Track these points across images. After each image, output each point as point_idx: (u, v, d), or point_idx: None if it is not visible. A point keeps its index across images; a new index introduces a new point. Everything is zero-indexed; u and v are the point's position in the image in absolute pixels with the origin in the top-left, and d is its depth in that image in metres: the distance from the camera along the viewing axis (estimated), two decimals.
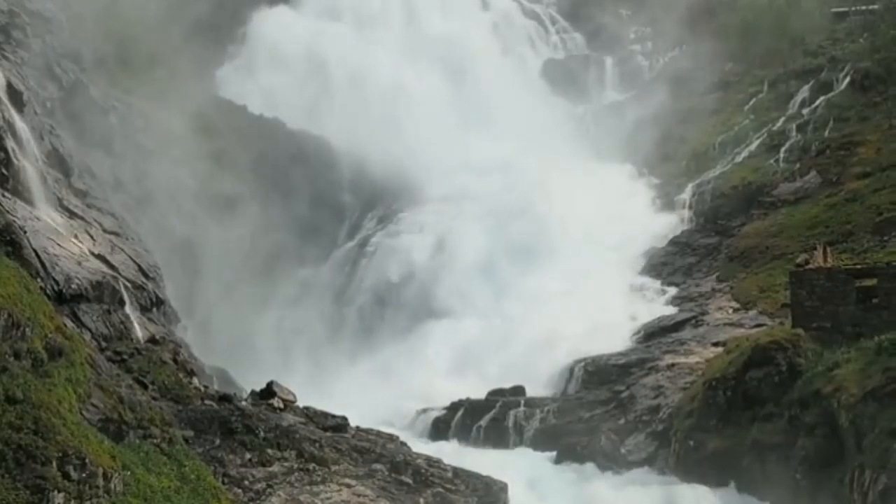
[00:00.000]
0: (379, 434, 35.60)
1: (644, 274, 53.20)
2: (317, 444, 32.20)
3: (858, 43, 63.42)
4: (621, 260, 54.18)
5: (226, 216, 53.25)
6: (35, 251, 33.47)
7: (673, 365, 42.29)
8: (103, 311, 35.59)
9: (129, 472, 25.09)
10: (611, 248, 54.87)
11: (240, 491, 29.26)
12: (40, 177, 39.45)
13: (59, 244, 36.31)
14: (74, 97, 48.37)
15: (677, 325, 46.55)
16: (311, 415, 35.33)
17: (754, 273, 48.89)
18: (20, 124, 39.98)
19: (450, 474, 33.18)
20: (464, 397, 43.97)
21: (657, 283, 51.86)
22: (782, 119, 60.62)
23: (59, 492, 22.40)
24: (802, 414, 33.79)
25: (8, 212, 33.92)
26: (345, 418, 35.69)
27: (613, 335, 46.44)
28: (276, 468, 30.60)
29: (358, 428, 35.68)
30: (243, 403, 34.35)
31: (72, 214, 40.10)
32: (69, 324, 31.72)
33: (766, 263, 49.06)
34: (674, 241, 55.14)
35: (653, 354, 43.81)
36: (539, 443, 40.86)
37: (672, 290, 50.77)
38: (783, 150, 57.23)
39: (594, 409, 41.49)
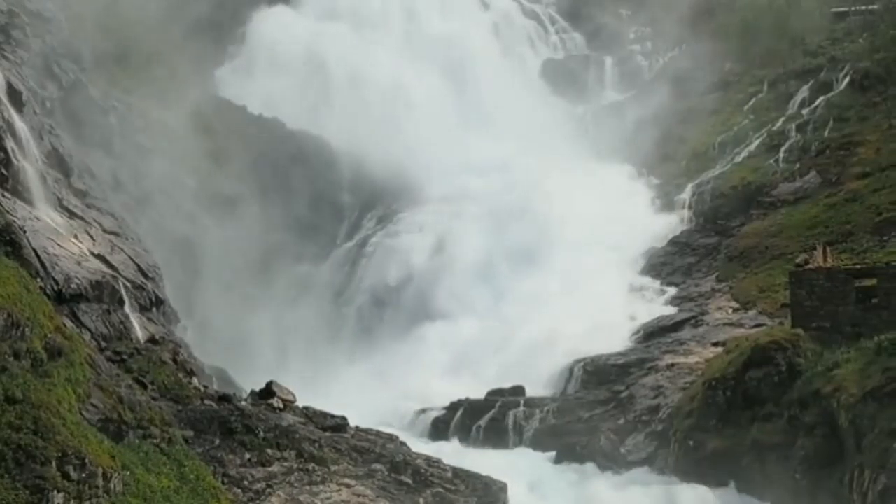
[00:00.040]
0: (378, 434, 35.61)
1: (644, 274, 53.22)
2: (316, 444, 32.20)
3: (858, 43, 63.45)
4: (621, 260, 54.18)
5: (225, 216, 53.27)
6: (35, 251, 33.48)
7: (672, 365, 42.29)
8: (103, 311, 35.60)
9: (128, 472, 25.08)
10: (610, 248, 54.84)
11: (239, 491, 29.25)
12: (40, 177, 39.47)
13: (58, 244, 36.32)
14: (74, 97, 48.38)
15: (677, 325, 46.56)
16: (310, 415, 35.34)
17: (754, 273, 48.90)
18: (20, 124, 40.01)
19: (449, 474, 33.18)
20: (463, 397, 43.96)
21: (657, 283, 51.89)
22: (782, 119, 60.66)
23: (58, 492, 22.39)
24: (802, 414, 33.78)
25: (8, 212, 33.93)
26: (344, 418, 35.69)
27: (613, 335, 46.45)
28: (275, 468, 30.59)
29: (357, 428, 35.68)
30: (243, 403, 34.35)
31: (71, 214, 40.11)
32: (69, 324, 31.72)
33: (765, 263, 49.08)
34: (673, 241, 55.17)
35: (652, 354, 43.82)
36: (538, 443, 40.85)
37: (672, 290, 50.79)
38: (783, 150, 57.27)
39: (594, 409, 41.48)
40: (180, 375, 34.32)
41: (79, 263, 36.16)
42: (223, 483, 28.79)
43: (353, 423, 35.92)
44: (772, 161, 56.89)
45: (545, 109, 71.68)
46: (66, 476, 22.72)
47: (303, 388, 38.44)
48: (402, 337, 52.24)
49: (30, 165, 39.03)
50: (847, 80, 59.87)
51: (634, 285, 52.05)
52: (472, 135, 65.21)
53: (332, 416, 35.54)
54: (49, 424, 23.19)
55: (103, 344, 33.93)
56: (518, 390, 44.29)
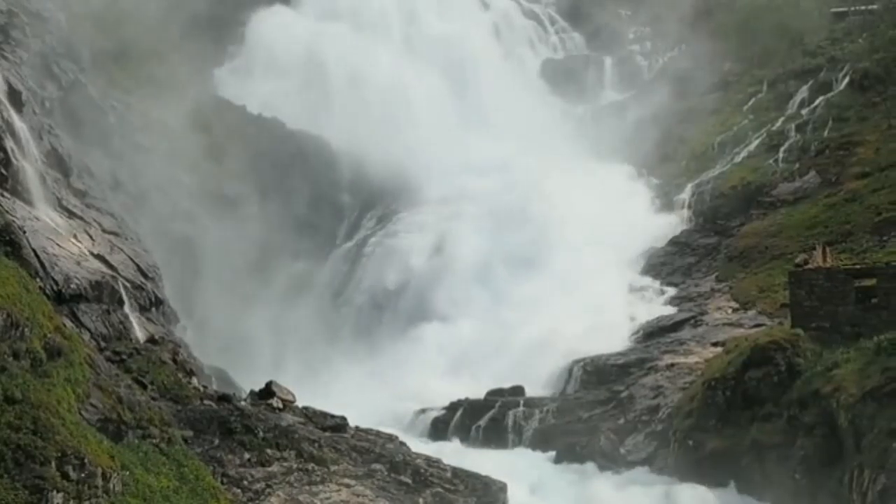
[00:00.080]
0: (378, 434, 35.58)
1: (643, 274, 53.23)
2: (316, 444, 32.18)
3: (857, 43, 63.45)
4: (620, 260, 54.16)
5: (225, 216, 53.28)
6: (34, 251, 33.48)
7: (672, 365, 42.29)
8: (102, 311, 35.60)
9: (127, 472, 25.06)
10: (610, 248, 54.80)
11: (239, 491, 29.24)
12: (39, 177, 39.48)
13: (58, 244, 36.32)
14: (73, 97, 48.39)
15: (676, 325, 46.59)
16: (310, 415, 35.32)
17: (753, 273, 48.91)
18: (19, 124, 40.03)
19: (449, 474, 33.16)
20: (463, 397, 43.94)
21: (656, 283, 51.90)
22: (781, 119, 60.68)
23: (57, 492, 22.36)
24: (801, 414, 33.75)
25: (7, 212, 33.92)
26: (344, 418, 35.67)
27: (613, 335, 46.46)
28: (275, 468, 30.58)
29: (357, 428, 35.66)
30: (242, 403, 34.33)
31: (71, 214, 40.11)
32: (68, 324, 31.70)
33: (765, 263, 49.09)
34: (673, 242, 55.18)
35: (652, 354, 43.82)
36: (538, 443, 40.84)
37: (671, 290, 50.80)
38: (782, 150, 57.28)
39: (593, 409, 41.47)
40: (180, 375, 34.31)
41: (78, 263, 36.15)
42: (222, 483, 28.77)
43: (352, 423, 35.91)
44: (771, 161, 56.92)
45: (545, 109, 71.73)
46: (65, 476, 22.69)
47: (302, 388, 38.42)
48: (401, 337, 52.23)
49: (29, 165, 39.04)
50: (846, 80, 59.90)
51: (634, 285, 52.06)
52: (471, 135, 65.21)
53: (332, 416, 35.53)
54: (48, 424, 23.16)
55: (103, 344, 33.93)
56: (518, 390, 44.28)
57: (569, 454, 39.24)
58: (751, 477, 34.30)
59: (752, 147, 59.38)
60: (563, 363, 45.09)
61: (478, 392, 44.41)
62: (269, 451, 30.99)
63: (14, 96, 41.31)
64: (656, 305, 49.63)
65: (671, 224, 56.55)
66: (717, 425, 35.99)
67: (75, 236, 38.66)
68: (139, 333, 37.01)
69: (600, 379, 43.28)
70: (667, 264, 53.45)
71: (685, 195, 57.99)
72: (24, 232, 33.60)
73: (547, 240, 55.61)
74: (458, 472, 33.42)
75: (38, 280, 31.69)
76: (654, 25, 79.63)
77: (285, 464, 30.88)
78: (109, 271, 38.01)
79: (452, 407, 43.60)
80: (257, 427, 31.49)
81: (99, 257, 38.68)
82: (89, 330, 34.11)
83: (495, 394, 44.07)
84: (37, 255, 33.52)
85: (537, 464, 39.22)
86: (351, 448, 33.17)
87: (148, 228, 46.85)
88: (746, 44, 68.27)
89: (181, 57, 58.85)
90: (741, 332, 41.81)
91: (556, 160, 60.71)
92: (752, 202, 54.73)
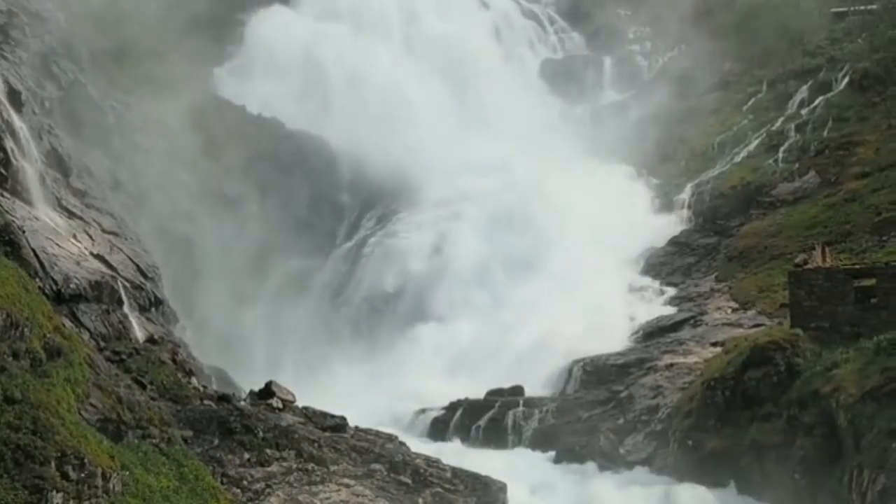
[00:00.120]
0: (378, 434, 35.58)
1: (643, 274, 53.25)
2: (316, 444, 32.18)
3: (857, 43, 63.49)
4: (620, 260, 54.18)
5: (225, 216, 53.28)
6: (34, 251, 33.48)
7: (672, 365, 42.30)
8: (102, 310, 35.59)
9: (127, 472, 25.04)
10: (610, 248, 54.81)
11: (238, 491, 29.24)
12: (39, 177, 39.48)
13: (57, 244, 36.32)
14: (73, 97, 48.37)
15: (676, 325, 46.59)
16: (309, 415, 35.33)
17: (753, 273, 48.92)
18: (19, 124, 40.02)
19: (448, 474, 33.16)
20: (462, 398, 43.93)
21: (656, 284, 51.91)
22: (781, 119, 60.71)
23: (57, 492, 22.34)
24: (801, 414, 33.75)
25: (7, 212, 33.92)
26: (343, 418, 35.67)
27: (612, 335, 46.46)
28: (274, 468, 30.57)
29: (357, 428, 35.66)
30: (242, 403, 34.33)
31: (70, 214, 40.11)
32: (68, 324, 31.70)
33: (764, 263, 49.10)
34: (673, 242, 55.20)
35: (651, 354, 43.83)
36: (538, 443, 40.84)
37: (671, 291, 50.81)
38: (782, 150, 57.31)
39: (593, 409, 41.47)
40: (179, 375, 34.32)
41: (78, 263, 36.15)
42: (222, 483, 28.77)
43: (352, 423, 35.91)
44: (771, 161, 56.94)
45: (544, 110, 71.72)
46: (65, 476, 22.68)
47: (301, 388, 38.42)
48: (401, 337, 52.21)
49: (29, 165, 39.03)
50: (846, 80, 59.94)
51: (634, 285, 52.07)
52: (471, 135, 65.21)
53: (332, 417, 35.53)
54: (48, 424, 23.15)
55: (102, 344, 33.92)
56: (517, 390, 44.27)
57: (568, 454, 39.24)
58: (750, 477, 34.30)
59: (751, 147, 59.41)
60: (563, 363, 45.08)
61: (477, 392, 44.39)
62: (268, 451, 30.99)
63: (14, 96, 41.29)
64: (656, 305, 49.63)
65: (671, 224, 56.58)
66: (717, 425, 35.99)
67: (75, 236, 38.66)
68: (139, 333, 37.01)
69: (600, 379, 43.28)
70: (666, 264, 53.46)
71: (685, 195, 58.02)
72: (24, 232, 33.61)
73: (546, 240, 55.59)
74: (457, 472, 33.42)
75: (37, 280, 31.69)
76: (653, 25, 79.63)
77: (285, 464, 30.87)
78: (109, 271, 38.01)
79: (452, 407, 43.59)
80: (257, 427, 31.49)
81: (98, 257, 38.68)
82: (89, 330, 34.11)
83: (495, 394, 44.06)
84: (36, 255, 33.52)
85: (537, 464, 39.22)
86: (350, 448, 33.17)
87: (147, 228, 46.84)
88: (746, 44, 68.29)
89: (181, 57, 58.83)
90: (741, 332, 41.82)
91: (556, 160, 60.71)
92: (751, 202, 54.76)
